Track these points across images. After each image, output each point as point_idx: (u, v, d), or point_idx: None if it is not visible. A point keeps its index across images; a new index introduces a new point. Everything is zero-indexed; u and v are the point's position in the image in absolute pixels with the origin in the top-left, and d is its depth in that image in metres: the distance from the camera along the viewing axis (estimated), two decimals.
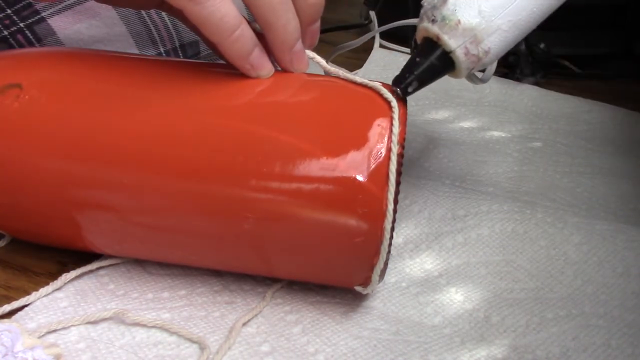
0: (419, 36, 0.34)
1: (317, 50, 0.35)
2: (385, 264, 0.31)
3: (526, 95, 0.64)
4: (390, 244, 0.30)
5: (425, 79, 0.32)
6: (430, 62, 0.32)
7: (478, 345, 0.33)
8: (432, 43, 0.32)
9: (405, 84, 0.32)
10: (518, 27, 0.33)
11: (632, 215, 0.46)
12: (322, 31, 0.34)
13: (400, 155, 0.30)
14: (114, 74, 0.33)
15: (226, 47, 0.31)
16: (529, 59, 0.66)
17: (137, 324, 0.32)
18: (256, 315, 0.33)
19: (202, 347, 0.31)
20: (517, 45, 0.66)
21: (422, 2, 0.34)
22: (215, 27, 0.30)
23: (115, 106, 0.31)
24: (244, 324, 0.33)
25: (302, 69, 0.33)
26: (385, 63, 0.69)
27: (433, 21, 0.32)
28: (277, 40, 0.31)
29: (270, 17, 0.30)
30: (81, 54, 0.35)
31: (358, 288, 0.33)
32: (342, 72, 0.33)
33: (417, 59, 0.32)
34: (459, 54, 0.32)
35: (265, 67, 0.32)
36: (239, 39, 0.30)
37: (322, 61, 0.34)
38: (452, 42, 0.32)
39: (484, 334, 0.34)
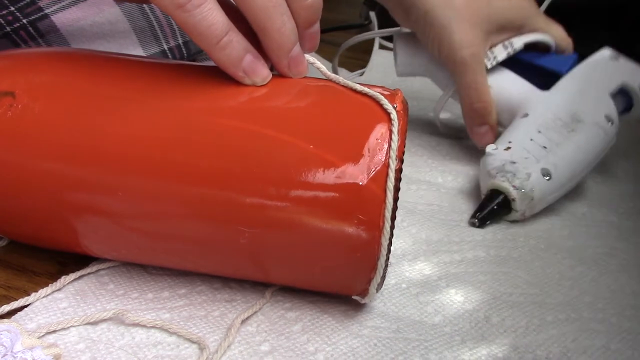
0: (488, 184, 0.43)
1: (318, 49, 0.35)
2: (383, 277, 0.31)
3: None
4: (387, 259, 0.30)
5: (489, 219, 0.43)
6: (495, 211, 0.43)
7: (479, 344, 0.33)
8: (504, 197, 0.43)
9: (478, 219, 0.43)
10: (557, 198, 0.45)
11: (633, 213, 0.46)
12: (322, 31, 0.34)
13: (399, 171, 0.29)
14: (108, 78, 0.32)
15: (214, 54, 0.30)
16: None
17: (136, 325, 0.32)
18: (255, 312, 0.33)
19: (202, 347, 0.31)
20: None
21: (487, 149, 0.45)
22: (202, 34, 0.29)
23: (110, 112, 0.31)
24: (243, 322, 0.33)
25: (300, 74, 0.32)
26: (385, 68, 0.69)
27: (514, 187, 0.42)
28: (273, 45, 0.31)
29: (264, 21, 0.30)
30: (74, 57, 0.34)
31: (356, 297, 0.33)
32: (342, 79, 0.32)
33: (494, 207, 0.43)
34: (519, 213, 0.43)
35: (259, 74, 0.31)
36: (227, 45, 0.30)
37: (323, 67, 0.33)
38: (519, 205, 0.43)
39: (485, 333, 0.34)
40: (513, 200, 0.42)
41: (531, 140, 0.44)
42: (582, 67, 0.49)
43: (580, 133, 0.44)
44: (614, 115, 0.46)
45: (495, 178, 0.43)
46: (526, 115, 0.46)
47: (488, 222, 0.43)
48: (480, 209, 0.43)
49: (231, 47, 0.30)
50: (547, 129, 0.45)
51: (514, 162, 0.43)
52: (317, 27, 0.33)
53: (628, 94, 0.48)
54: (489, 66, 0.48)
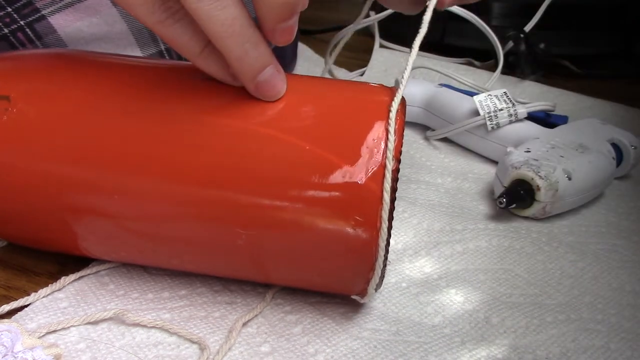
0: (512, 176, 0.44)
1: (317, 49, 0.35)
2: (382, 277, 0.31)
3: (527, 92, 0.64)
4: (386, 259, 0.30)
5: (515, 202, 0.43)
6: (521, 195, 0.43)
7: (478, 345, 0.33)
8: (528, 186, 0.43)
9: (505, 199, 0.43)
10: (572, 206, 0.46)
11: (632, 213, 0.47)
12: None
13: (396, 170, 0.29)
14: (104, 81, 0.32)
15: (197, 64, 0.31)
16: (529, 59, 0.66)
17: (137, 325, 0.32)
18: (256, 315, 0.33)
19: (202, 347, 0.31)
20: (517, 45, 0.66)
21: (508, 149, 0.46)
22: (182, 47, 0.30)
23: (106, 114, 0.30)
24: (244, 324, 0.33)
25: (270, 98, 0.31)
26: (385, 67, 0.69)
27: (539, 176, 0.43)
28: (234, 71, 0.30)
29: (222, 49, 0.29)
30: (69, 59, 0.34)
31: (355, 297, 0.33)
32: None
33: (520, 191, 0.43)
34: (542, 205, 0.43)
35: None
36: (208, 57, 0.30)
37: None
38: (544, 196, 0.43)
39: (484, 334, 0.34)
40: (538, 189, 0.43)
41: (547, 151, 0.45)
42: (578, 120, 0.52)
43: (590, 154, 0.46)
44: (614, 154, 0.48)
45: (520, 169, 0.43)
46: (537, 138, 0.48)
47: (513, 206, 0.43)
48: (506, 192, 0.43)
49: (212, 59, 0.30)
50: (559, 147, 0.46)
51: (537, 160, 0.44)
52: (291, 22, 0.30)
53: (619, 149, 0.50)
54: (490, 129, 0.50)
